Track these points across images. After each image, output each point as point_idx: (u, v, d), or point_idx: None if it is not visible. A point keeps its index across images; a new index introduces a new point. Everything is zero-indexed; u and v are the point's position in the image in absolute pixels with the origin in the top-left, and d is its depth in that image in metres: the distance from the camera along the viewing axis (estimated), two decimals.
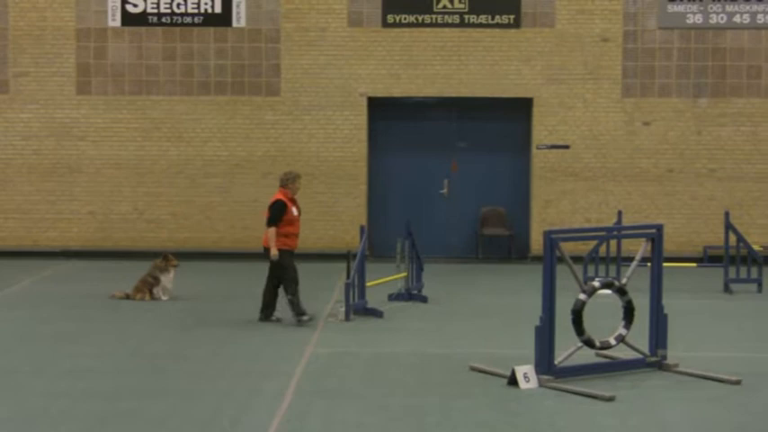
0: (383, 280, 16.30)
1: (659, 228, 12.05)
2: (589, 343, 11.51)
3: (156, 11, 21.80)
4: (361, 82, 21.84)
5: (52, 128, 21.98)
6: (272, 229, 14.47)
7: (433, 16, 21.74)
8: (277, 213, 14.50)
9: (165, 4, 21.78)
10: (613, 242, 18.17)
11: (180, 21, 21.81)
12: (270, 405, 10.29)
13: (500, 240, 22.30)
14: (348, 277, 15.08)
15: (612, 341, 11.74)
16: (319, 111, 21.86)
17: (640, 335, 11.98)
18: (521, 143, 22.18)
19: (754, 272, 17.88)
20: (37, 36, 21.91)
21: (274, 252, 14.47)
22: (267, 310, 14.86)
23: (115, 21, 21.85)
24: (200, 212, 22.04)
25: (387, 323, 14.77)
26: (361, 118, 21.90)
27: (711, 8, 21.57)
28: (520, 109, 21.98)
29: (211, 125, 21.93)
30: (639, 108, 21.76)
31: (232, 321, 14.85)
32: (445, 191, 22.24)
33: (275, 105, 21.88)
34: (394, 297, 16.53)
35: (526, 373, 11.04)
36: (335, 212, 21.63)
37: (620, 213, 18.44)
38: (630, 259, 12.66)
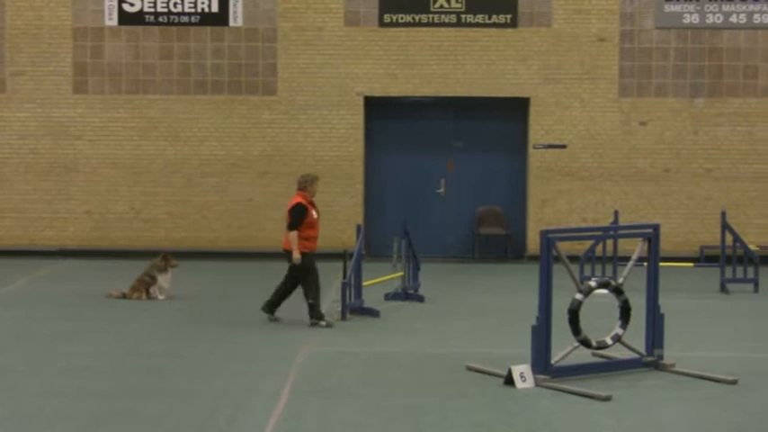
0: (380, 279, 16.30)
1: (656, 227, 12.05)
2: (586, 343, 11.51)
3: (152, 10, 21.79)
4: (358, 81, 21.83)
5: (49, 127, 21.97)
6: (294, 233, 14.34)
7: (430, 16, 21.73)
8: (298, 217, 14.38)
9: (162, 3, 21.77)
10: (610, 242, 18.18)
11: (177, 20, 21.79)
12: (266, 404, 10.28)
13: (497, 240, 22.30)
14: (345, 277, 15.08)
15: (609, 341, 11.74)
16: (316, 110, 21.85)
17: (637, 335, 11.99)
18: (517, 143, 22.18)
19: (751, 272, 17.89)
20: (34, 35, 21.89)
21: (297, 255, 14.35)
22: (272, 307, 14.78)
23: (112, 20, 21.83)
24: (197, 212, 22.03)
25: (383, 323, 14.78)
26: (358, 117, 21.90)
27: (708, 8, 21.58)
28: (517, 108, 21.98)
29: (208, 124, 21.92)
30: (636, 108, 21.77)
31: (229, 321, 14.84)
32: (442, 190, 22.24)
33: (272, 105, 21.88)
34: (390, 296, 16.53)
35: (523, 373, 11.04)
36: (332, 212, 21.61)
37: (616, 213, 18.45)
38: (627, 259, 12.66)
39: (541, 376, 11.05)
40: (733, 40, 21.66)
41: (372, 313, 15.20)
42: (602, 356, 12.13)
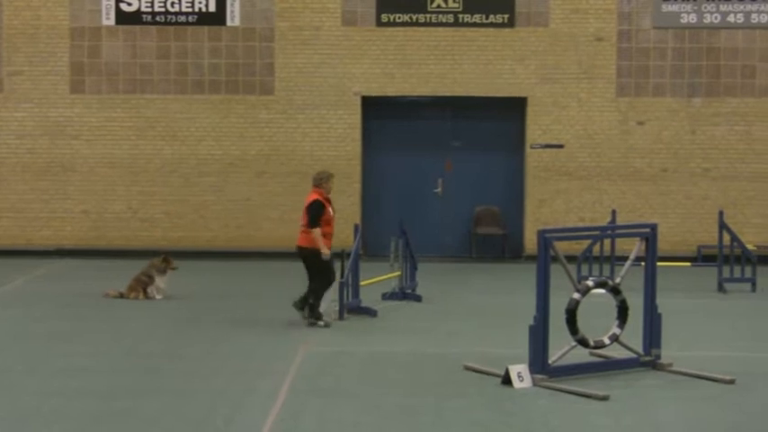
0: (377, 279, 16.29)
1: (653, 227, 12.05)
2: (583, 342, 11.51)
3: (150, 10, 21.78)
4: (355, 81, 21.83)
5: (46, 127, 21.95)
6: (318, 230, 14.25)
7: (428, 15, 21.73)
8: (317, 214, 14.30)
9: (160, 3, 21.76)
10: (607, 241, 18.17)
11: (174, 20, 21.78)
12: (264, 404, 10.28)
13: (494, 239, 22.31)
14: (342, 276, 15.06)
15: (606, 340, 11.74)
16: (313, 110, 21.85)
17: (634, 334, 11.98)
18: (515, 142, 22.18)
19: (748, 271, 17.89)
20: (31, 35, 21.87)
21: (326, 251, 14.30)
22: (303, 303, 14.69)
23: (109, 19, 21.82)
24: (194, 211, 22.02)
25: (380, 322, 14.77)
26: (355, 117, 21.89)
27: (705, 8, 21.58)
28: (514, 108, 21.99)
29: (205, 124, 21.91)
30: (634, 107, 21.77)
31: (226, 320, 14.83)
32: (439, 190, 22.24)
33: (269, 104, 21.87)
34: (388, 296, 16.52)
35: (520, 373, 11.04)
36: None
37: (614, 213, 18.45)
38: (624, 258, 12.66)
39: (539, 376, 11.05)
40: (730, 39, 21.66)
41: (370, 313, 15.20)
42: (599, 356, 12.12)
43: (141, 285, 16.51)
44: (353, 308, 15.18)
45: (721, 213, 18.09)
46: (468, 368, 11.75)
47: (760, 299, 17.24)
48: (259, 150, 21.90)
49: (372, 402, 10.40)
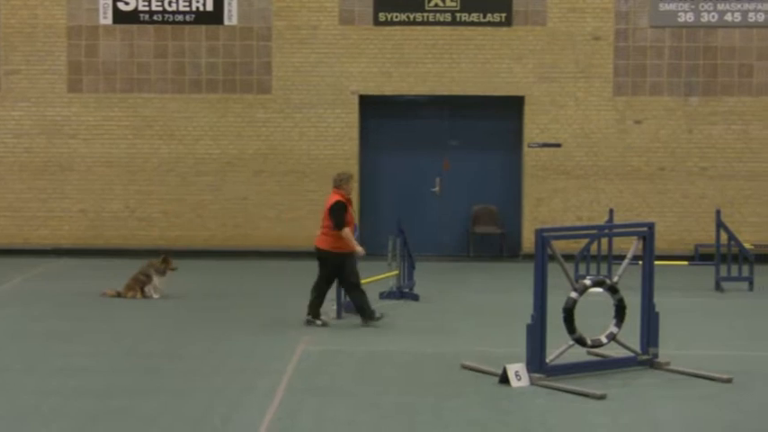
0: (375, 278, 16.29)
1: (650, 226, 12.06)
2: (580, 341, 11.52)
3: (147, 9, 21.77)
4: (353, 80, 21.83)
5: (43, 126, 21.94)
6: (347, 230, 14.24)
7: (425, 14, 21.73)
8: (341, 214, 14.30)
9: (157, 2, 21.75)
10: (605, 240, 18.19)
11: (171, 19, 21.78)
12: (261, 403, 10.28)
13: (492, 238, 22.31)
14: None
15: (604, 339, 11.75)
16: (311, 109, 21.84)
17: (632, 333, 11.99)
18: (512, 141, 22.19)
19: (746, 270, 17.91)
20: (28, 34, 21.86)
21: (359, 249, 14.36)
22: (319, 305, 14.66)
23: (106, 18, 21.81)
24: (192, 210, 22.01)
25: (378, 321, 14.76)
26: (353, 116, 21.89)
27: (703, 6, 21.59)
28: (511, 107, 21.99)
29: (203, 123, 21.90)
30: (631, 106, 21.78)
31: (224, 319, 14.84)
32: (437, 189, 22.24)
33: (266, 103, 21.87)
34: (385, 295, 16.52)
35: (517, 372, 11.05)
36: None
37: (611, 211, 18.46)
38: (622, 257, 12.67)
39: (536, 375, 11.06)
40: (728, 38, 21.67)
41: None
42: (597, 355, 12.13)
43: (139, 285, 16.50)
44: (351, 307, 15.16)
45: (718, 212, 18.10)
46: (465, 367, 11.76)
47: (757, 297, 17.25)
48: (256, 149, 21.90)
49: (369, 401, 10.41)
